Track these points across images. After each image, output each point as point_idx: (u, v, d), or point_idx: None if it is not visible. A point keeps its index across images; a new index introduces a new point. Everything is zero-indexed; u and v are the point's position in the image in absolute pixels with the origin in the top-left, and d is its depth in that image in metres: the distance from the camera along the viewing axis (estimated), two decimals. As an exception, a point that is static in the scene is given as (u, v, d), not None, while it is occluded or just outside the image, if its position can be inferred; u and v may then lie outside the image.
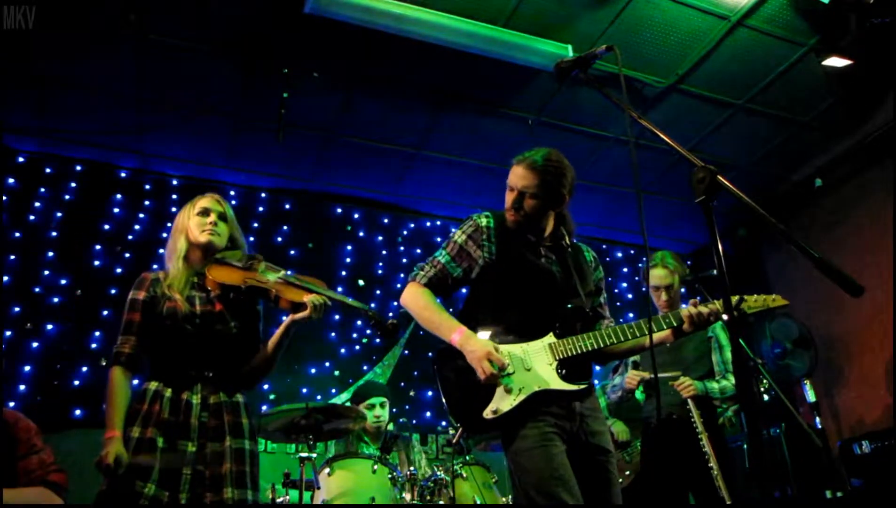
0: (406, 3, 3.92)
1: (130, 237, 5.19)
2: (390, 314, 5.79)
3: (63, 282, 4.87)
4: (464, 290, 2.46)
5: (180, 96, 4.63)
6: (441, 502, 3.55)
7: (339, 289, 5.72)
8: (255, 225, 5.64)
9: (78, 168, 5.22)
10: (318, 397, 5.20)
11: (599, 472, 2.17)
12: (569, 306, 2.28)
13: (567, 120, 5.07)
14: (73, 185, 5.17)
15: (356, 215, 6.04)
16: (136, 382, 2.33)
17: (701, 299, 2.37)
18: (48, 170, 5.14)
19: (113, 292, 4.94)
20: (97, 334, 4.80)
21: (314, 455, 3.35)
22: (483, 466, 3.80)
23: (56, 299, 4.79)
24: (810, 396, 4.26)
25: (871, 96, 4.99)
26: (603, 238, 6.78)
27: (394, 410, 4.80)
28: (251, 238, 5.59)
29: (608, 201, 6.01)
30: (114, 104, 4.65)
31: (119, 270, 5.05)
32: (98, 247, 5.07)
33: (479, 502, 3.53)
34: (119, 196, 5.29)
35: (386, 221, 6.15)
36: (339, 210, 6.00)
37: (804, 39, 4.40)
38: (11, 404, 4.35)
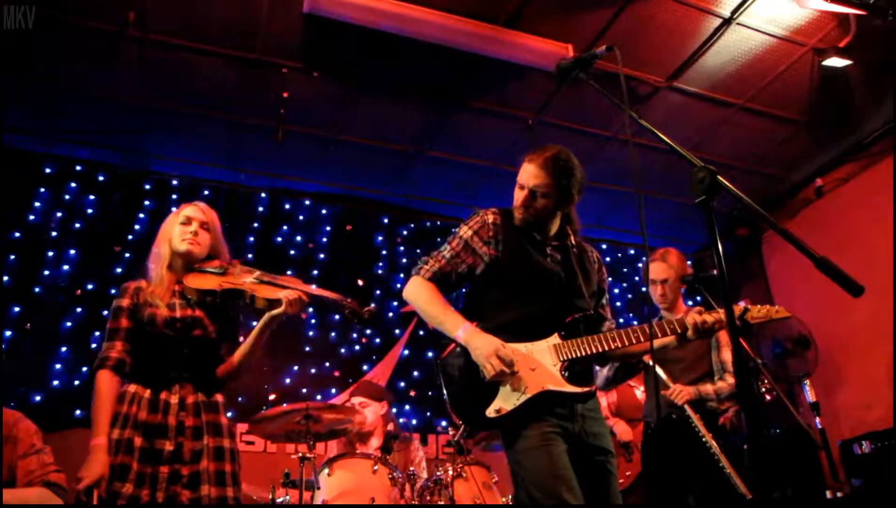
0: (406, 3, 3.92)
1: (130, 237, 5.20)
2: (389, 315, 5.80)
3: (63, 282, 4.87)
4: (463, 290, 2.45)
5: (180, 96, 4.63)
6: (441, 502, 3.55)
7: (339, 289, 5.72)
8: (255, 225, 5.65)
9: (78, 168, 5.23)
10: (318, 397, 5.21)
11: (600, 473, 2.17)
12: (573, 307, 2.27)
13: (567, 120, 5.07)
14: (73, 185, 5.18)
15: (356, 216, 6.04)
16: None
17: (701, 299, 2.37)
18: (48, 170, 5.14)
19: (113, 292, 4.92)
20: (97, 333, 4.80)
21: (313, 456, 3.36)
22: (483, 466, 3.80)
23: (55, 299, 4.79)
24: (810, 396, 4.25)
25: (871, 96, 4.98)
26: (603, 238, 6.78)
27: (394, 410, 4.81)
28: (251, 238, 5.60)
29: (608, 201, 6.01)
30: (114, 104, 4.65)
31: (119, 270, 5.05)
32: (98, 247, 5.07)
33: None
34: (119, 196, 5.29)
35: (386, 221, 6.15)
36: (339, 210, 6.00)
37: (804, 39, 4.40)
38: (11, 404, 4.35)
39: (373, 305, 2.50)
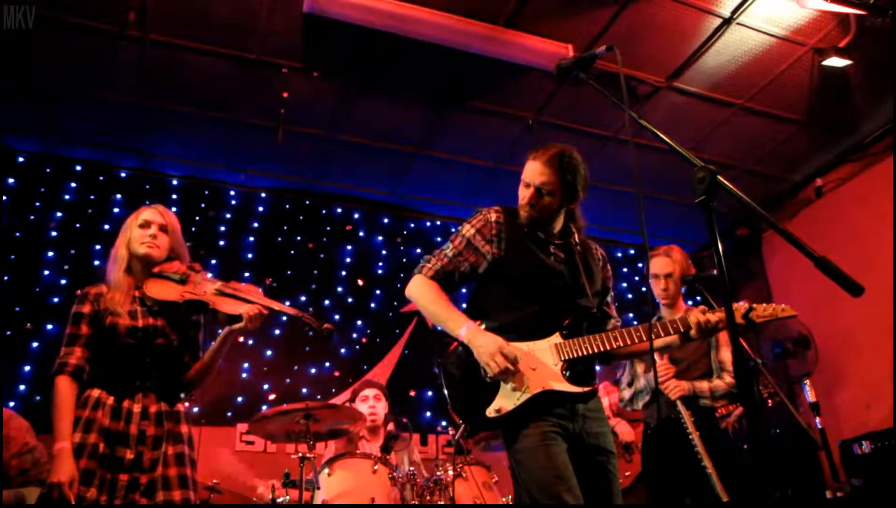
0: (406, 3, 3.92)
1: (130, 237, 5.19)
2: (389, 315, 5.80)
3: (63, 282, 4.88)
4: (464, 290, 2.45)
5: (180, 96, 4.63)
6: (441, 502, 3.55)
7: (339, 289, 5.73)
8: (255, 225, 5.65)
9: (78, 168, 5.23)
10: (318, 397, 5.20)
11: (600, 473, 2.16)
12: (576, 305, 2.27)
13: (567, 120, 5.07)
14: (73, 185, 5.18)
15: (356, 215, 6.05)
16: None
17: (701, 299, 2.37)
18: (48, 170, 5.14)
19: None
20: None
21: (313, 456, 3.36)
22: (483, 466, 3.80)
23: (56, 299, 4.79)
24: (810, 396, 4.25)
25: (871, 96, 4.98)
26: (603, 238, 6.77)
27: (395, 410, 4.80)
28: (251, 238, 5.60)
29: (608, 200, 6.00)
30: (114, 104, 4.65)
31: (119, 270, 5.04)
32: (98, 247, 5.07)
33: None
34: (119, 196, 5.29)
35: (386, 221, 6.15)
36: (339, 210, 6.00)
37: (804, 39, 4.40)
38: (11, 404, 4.35)
39: (329, 324, 2.49)
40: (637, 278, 6.93)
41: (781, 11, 4.16)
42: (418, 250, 6.12)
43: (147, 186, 5.41)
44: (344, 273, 5.81)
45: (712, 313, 2.17)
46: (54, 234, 4.99)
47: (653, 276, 3.65)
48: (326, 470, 3.49)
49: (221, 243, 5.50)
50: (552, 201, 2.29)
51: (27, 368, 4.56)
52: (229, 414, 4.93)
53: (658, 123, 1.80)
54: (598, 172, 5.56)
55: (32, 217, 4.98)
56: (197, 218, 5.46)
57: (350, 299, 5.73)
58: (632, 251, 6.94)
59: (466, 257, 2.31)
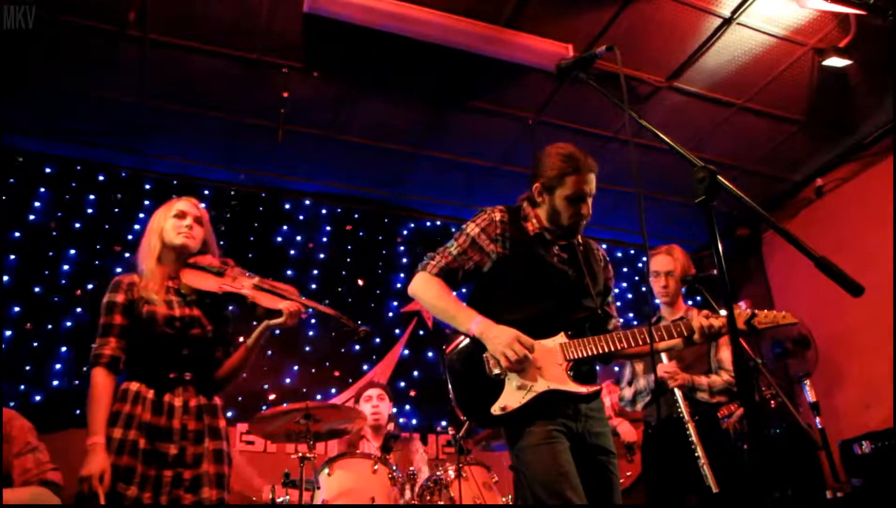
0: (406, 3, 3.92)
1: (130, 237, 5.20)
2: (389, 315, 5.80)
3: (63, 282, 4.88)
4: (463, 289, 2.45)
5: (180, 96, 4.63)
6: (441, 502, 3.55)
7: (339, 289, 5.73)
8: (255, 225, 5.65)
9: (78, 168, 5.23)
10: (318, 397, 5.20)
11: (601, 472, 2.17)
12: (580, 305, 2.28)
13: (567, 120, 5.06)
14: (74, 185, 5.18)
15: (356, 215, 6.04)
16: None
17: (701, 299, 2.38)
18: (48, 170, 5.14)
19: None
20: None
21: (313, 456, 3.36)
22: (483, 466, 3.80)
23: (56, 299, 4.80)
24: (810, 396, 4.25)
25: (871, 96, 4.98)
26: (603, 238, 6.78)
27: (394, 410, 4.80)
28: (251, 238, 5.60)
29: (608, 201, 6.00)
30: (114, 104, 4.65)
31: (119, 270, 5.04)
32: (98, 247, 5.07)
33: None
34: (119, 196, 5.29)
35: (386, 221, 6.15)
36: (339, 210, 6.00)
37: (804, 39, 4.40)
38: (11, 404, 4.35)
39: (367, 327, 2.49)
40: (637, 278, 6.93)
41: (781, 11, 4.16)
42: (418, 250, 6.12)
43: (147, 187, 5.42)
44: (344, 273, 5.81)
45: (715, 317, 2.19)
46: (54, 234, 4.99)
47: (653, 273, 3.66)
48: (326, 470, 3.49)
49: (221, 242, 5.46)
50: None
51: (27, 368, 4.56)
52: (229, 414, 4.92)
53: (658, 123, 1.80)
54: (598, 172, 5.61)
55: (32, 217, 4.98)
56: (197, 218, 5.45)
57: (350, 299, 5.73)
58: (632, 251, 6.94)
59: (471, 255, 2.30)
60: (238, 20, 4.03)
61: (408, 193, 5.96)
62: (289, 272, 5.62)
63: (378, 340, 5.66)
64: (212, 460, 2.29)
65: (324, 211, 5.95)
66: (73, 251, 5.00)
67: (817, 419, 4.19)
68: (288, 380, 5.22)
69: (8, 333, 4.57)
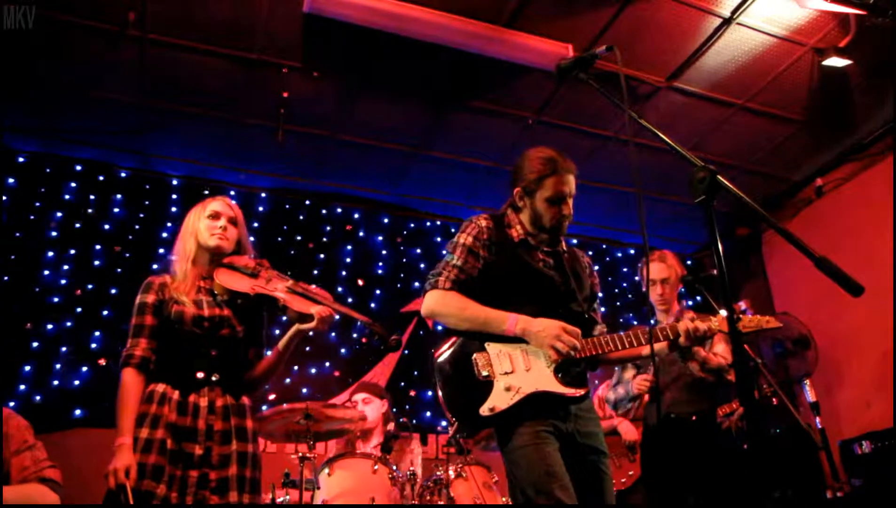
0: (406, 3, 3.92)
1: (130, 237, 5.20)
2: (391, 313, 5.80)
3: (63, 282, 4.88)
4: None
5: (180, 96, 4.63)
6: (441, 502, 3.55)
7: (340, 289, 5.73)
8: (255, 225, 5.65)
9: (78, 168, 5.23)
10: (319, 397, 5.20)
11: (593, 472, 2.18)
12: (567, 310, 2.29)
13: (567, 120, 5.06)
14: (74, 185, 5.18)
15: (356, 215, 6.04)
16: None
17: (701, 299, 2.39)
18: (48, 170, 5.14)
19: (113, 292, 4.95)
20: (97, 333, 4.80)
21: (313, 456, 3.36)
22: (483, 466, 3.80)
23: (56, 299, 4.80)
24: (810, 396, 4.25)
25: (871, 96, 4.98)
26: (603, 238, 6.78)
27: (394, 410, 4.80)
28: (251, 238, 5.58)
29: (608, 200, 6.00)
30: (114, 104, 4.65)
31: (119, 270, 5.04)
32: (98, 247, 5.07)
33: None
34: (119, 196, 5.29)
35: (386, 221, 6.15)
36: (339, 210, 6.00)
37: (804, 39, 4.40)
38: (11, 404, 4.35)
39: (396, 335, 2.50)
40: (637, 278, 6.92)
41: (781, 11, 4.16)
42: (418, 251, 6.12)
43: (147, 187, 5.41)
44: (344, 273, 5.81)
45: (701, 320, 2.22)
46: (54, 234, 4.99)
47: (650, 282, 3.68)
48: (326, 470, 3.49)
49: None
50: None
51: (27, 368, 4.56)
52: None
53: (658, 123, 1.80)
54: (598, 172, 5.64)
55: (32, 217, 4.97)
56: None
57: (350, 299, 5.73)
58: (632, 251, 6.94)
59: (473, 263, 2.32)
60: (238, 20, 4.03)
61: (408, 193, 5.96)
62: (289, 272, 5.60)
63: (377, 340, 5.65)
64: (239, 462, 2.27)
65: (324, 211, 5.95)
66: (72, 251, 4.99)
67: (817, 419, 4.19)
68: (288, 380, 5.22)
69: (8, 333, 4.56)
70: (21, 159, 5.06)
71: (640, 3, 4.06)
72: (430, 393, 5.59)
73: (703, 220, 1.48)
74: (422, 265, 6.03)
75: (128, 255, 5.12)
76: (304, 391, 5.20)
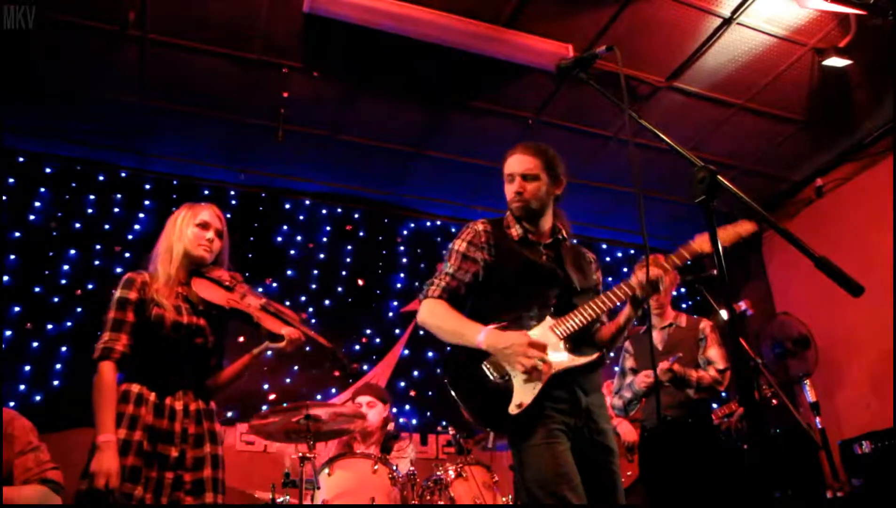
0: (406, 3, 3.92)
1: (130, 237, 5.20)
2: (389, 315, 5.80)
3: (63, 282, 4.88)
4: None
5: (180, 96, 4.63)
6: (441, 502, 3.55)
7: (339, 289, 5.73)
8: (255, 225, 5.65)
9: (78, 168, 5.23)
10: (318, 397, 5.20)
11: (603, 471, 2.17)
12: (570, 302, 2.29)
13: (567, 120, 5.06)
14: (74, 185, 5.18)
15: (356, 215, 6.04)
16: None
17: (701, 299, 2.39)
18: (48, 170, 5.14)
19: (113, 292, 4.94)
20: (98, 333, 4.79)
21: (313, 456, 3.35)
22: (483, 466, 3.80)
23: (56, 299, 4.80)
24: (810, 396, 4.25)
25: (871, 96, 4.98)
26: (603, 238, 6.77)
27: (394, 410, 4.81)
28: (251, 238, 5.59)
29: (608, 200, 6.00)
30: (114, 104, 4.65)
31: (119, 270, 5.04)
32: (98, 247, 5.07)
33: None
34: (119, 196, 5.29)
35: (386, 221, 6.15)
36: (339, 210, 6.00)
37: (804, 39, 4.40)
38: (11, 403, 4.35)
39: (356, 364, 2.54)
40: (636, 278, 6.91)
41: (781, 11, 4.16)
42: (418, 251, 6.12)
43: (147, 187, 5.41)
44: (344, 273, 5.81)
45: (641, 268, 2.31)
46: (54, 234, 4.99)
47: None
48: (326, 470, 3.49)
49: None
50: (538, 186, 2.37)
51: (27, 368, 4.56)
52: (229, 414, 4.93)
53: (658, 123, 1.80)
54: (598, 172, 5.64)
55: (32, 217, 4.98)
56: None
57: (350, 299, 5.73)
58: (632, 251, 6.94)
59: (467, 269, 2.34)
60: (238, 20, 4.03)
61: (408, 193, 5.96)
62: (289, 272, 5.62)
63: (378, 340, 5.66)
64: (211, 465, 2.32)
65: (324, 211, 5.95)
66: (73, 251, 4.99)
67: (817, 419, 4.19)
68: (288, 380, 5.21)
69: (8, 333, 4.57)
70: (21, 159, 5.06)
71: (640, 3, 4.06)
72: (430, 393, 5.58)
73: (704, 220, 1.48)
74: (422, 265, 6.03)
75: (128, 255, 5.12)
76: (304, 391, 5.19)
